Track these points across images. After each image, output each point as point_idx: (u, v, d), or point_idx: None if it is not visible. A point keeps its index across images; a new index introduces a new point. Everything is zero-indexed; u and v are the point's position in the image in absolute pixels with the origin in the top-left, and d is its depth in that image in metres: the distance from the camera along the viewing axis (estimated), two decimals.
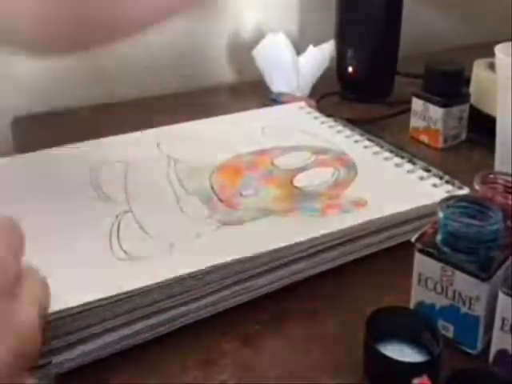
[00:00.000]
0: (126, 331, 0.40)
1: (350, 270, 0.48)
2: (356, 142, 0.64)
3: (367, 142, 0.63)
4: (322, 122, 0.69)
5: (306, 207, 0.51)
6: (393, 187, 0.54)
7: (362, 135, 0.65)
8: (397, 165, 0.58)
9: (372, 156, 0.61)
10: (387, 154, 0.61)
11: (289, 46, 0.83)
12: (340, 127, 0.67)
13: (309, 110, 0.73)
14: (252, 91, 0.86)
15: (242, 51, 0.89)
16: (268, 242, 0.45)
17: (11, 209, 0.51)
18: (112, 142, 0.64)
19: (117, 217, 0.50)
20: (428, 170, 0.57)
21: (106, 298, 0.38)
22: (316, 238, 0.46)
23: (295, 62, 0.83)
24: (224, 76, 0.92)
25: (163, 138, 0.64)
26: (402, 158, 0.60)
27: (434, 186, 0.54)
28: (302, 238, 0.45)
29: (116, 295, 0.39)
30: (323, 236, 0.46)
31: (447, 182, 0.55)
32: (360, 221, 0.48)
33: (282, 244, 0.44)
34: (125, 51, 0.81)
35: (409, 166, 0.58)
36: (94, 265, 0.43)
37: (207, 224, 0.49)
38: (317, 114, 0.71)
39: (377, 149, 0.62)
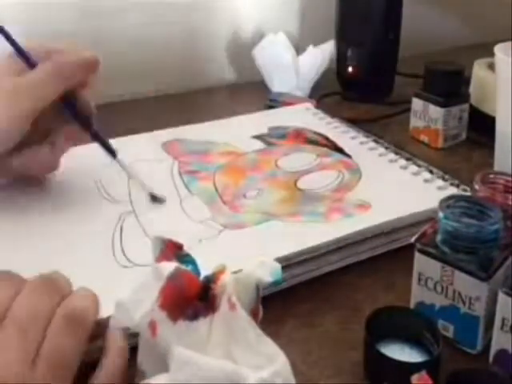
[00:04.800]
0: None
1: (350, 270, 0.48)
2: (361, 143, 0.64)
3: (372, 144, 0.63)
4: (328, 123, 0.69)
5: (310, 212, 0.51)
6: (397, 190, 0.54)
7: (367, 137, 0.65)
8: (402, 167, 0.58)
9: (377, 158, 0.60)
10: (392, 156, 0.60)
11: (289, 46, 0.83)
12: (345, 128, 0.67)
13: (315, 111, 0.73)
14: (252, 91, 0.86)
15: (241, 51, 0.89)
16: (270, 250, 0.44)
17: (11, 206, 0.51)
18: (116, 142, 0.64)
19: (120, 218, 0.50)
20: (432, 172, 0.57)
21: None
22: (318, 247, 0.46)
23: (295, 62, 0.83)
24: (224, 76, 0.92)
25: (167, 139, 0.64)
26: (407, 159, 0.59)
27: (439, 188, 0.54)
28: (303, 247, 0.45)
29: None
30: (325, 244, 0.46)
31: (452, 184, 0.55)
32: (363, 227, 0.48)
33: (284, 253, 0.44)
34: (124, 51, 0.81)
35: (414, 169, 0.58)
36: (96, 271, 0.43)
37: (210, 227, 0.49)
38: (322, 114, 0.71)
39: (382, 150, 0.62)
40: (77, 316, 0.33)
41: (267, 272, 0.33)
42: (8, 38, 0.49)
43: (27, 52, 0.50)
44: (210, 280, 0.33)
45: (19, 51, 0.50)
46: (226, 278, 0.32)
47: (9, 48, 0.50)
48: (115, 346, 0.34)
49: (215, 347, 0.31)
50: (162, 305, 0.31)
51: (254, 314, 0.32)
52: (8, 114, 0.48)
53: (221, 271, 0.33)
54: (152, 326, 0.31)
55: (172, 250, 0.34)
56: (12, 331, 0.31)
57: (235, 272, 0.33)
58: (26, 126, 0.49)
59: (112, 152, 0.54)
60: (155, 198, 0.53)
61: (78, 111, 0.52)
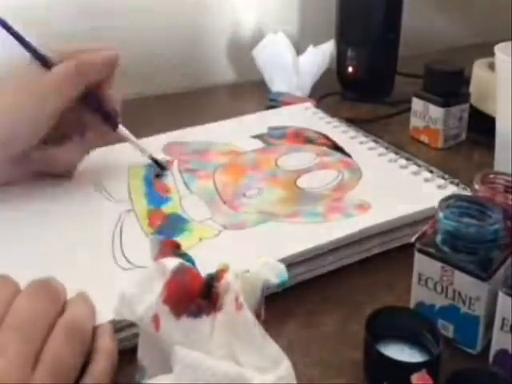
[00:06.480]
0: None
1: (350, 270, 0.48)
2: (361, 143, 0.64)
3: (372, 144, 0.63)
4: (328, 123, 0.69)
5: (309, 211, 0.51)
6: (397, 190, 0.54)
7: (366, 136, 0.65)
8: (402, 167, 0.58)
9: (377, 158, 0.60)
10: (392, 156, 0.60)
11: (289, 46, 0.83)
12: (345, 128, 0.67)
13: (315, 110, 0.73)
14: (252, 91, 0.86)
15: (242, 51, 0.89)
16: (270, 251, 0.44)
17: (11, 207, 0.51)
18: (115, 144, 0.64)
19: (120, 217, 0.50)
20: (432, 172, 0.57)
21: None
22: (318, 247, 0.46)
23: (295, 62, 0.83)
24: (224, 76, 0.92)
25: (168, 141, 0.64)
26: (407, 159, 0.59)
27: (439, 188, 0.54)
28: (303, 248, 0.45)
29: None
30: (325, 245, 0.46)
31: (452, 183, 0.55)
32: (363, 227, 0.48)
33: (284, 255, 0.43)
34: (124, 52, 0.81)
35: (414, 168, 0.58)
36: (97, 274, 0.43)
37: (210, 227, 0.49)
38: (322, 114, 0.71)
39: (382, 150, 0.62)
40: (77, 327, 0.34)
41: (273, 273, 0.33)
42: (21, 41, 0.50)
43: (43, 54, 0.51)
44: (213, 278, 0.33)
45: (35, 53, 0.51)
46: (230, 277, 0.32)
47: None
48: (104, 348, 0.34)
49: (218, 347, 0.31)
50: (165, 299, 0.31)
51: (256, 314, 0.32)
52: (34, 114, 0.50)
53: (224, 270, 0.33)
54: (156, 320, 0.31)
55: (170, 248, 0.34)
56: (11, 334, 0.31)
57: (243, 272, 0.33)
58: (50, 124, 0.51)
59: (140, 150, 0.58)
60: (157, 164, 0.56)
61: (101, 106, 0.54)
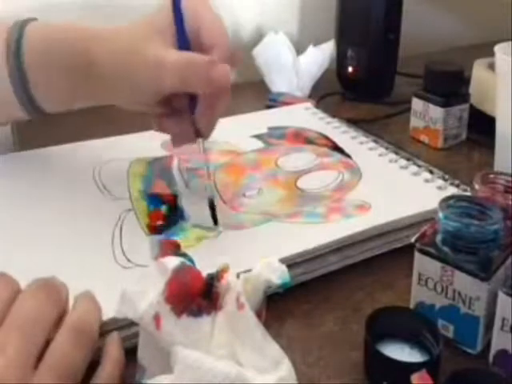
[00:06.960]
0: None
1: (350, 270, 0.48)
2: (361, 143, 0.64)
3: (372, 144, 0.63)
4: (328, 123, 0.69)
5: (309, 212, 0.51)
6: (398, 190, 0.54)
7: (366, 136, 0.65)
8: (402, 167, 0.58)
9: (377, 158, 0.60)
10: (392, 156, 0.60)
11: (289, 46, 0.83)
12: (345, 128, 0.67)
13: (314, 110, 0.73)
14: (252, 91, 0.86)
15: (241, 51, 0.89)
16: (270, 251, 0.43)
17: (12, 207, 0.51)
18: (115, 141, 0.64)
19: (120, 216, 0.50)
20: (432, 172, 0.57)
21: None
22: (318, 248, 0.46)
23: (295, 62, 0.83)
24: None
25: (167, 137, 0.64)
26: (407, 159, 0.59)
27: (439, 188, 0.54)
28: (303, 249, 0.45)
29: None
30: (325, 246, 0.46)
31: (452, 184, 0.55)
32: (363, 228, 0.48)
33: (284, 255, 0.43)
34: None
35: (414, 169, 0.58)
36: (97, 272, 0.43)
37: (210, 227, 0.49)
38: (322, 114, 0.71)
39: (382, 150, 0.62)
40: (84, 328, 0.34)
41: (275, 274, 0.33)
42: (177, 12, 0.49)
43: (188, 34, 0.50)
44: (214, 278, 0.33)
45: (181, 30, 0.49)
46: (230, 277, 0.32)
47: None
48: (112, 356, 0.34)
49: (219, 347, 0.31)
50: (167, 298, 0.31)
51: (258, 315, 0.32)
52: (146, 88, 0.48)
53: (224, 270, 0.33)
54: (157, 318, 0.31)
55: (170, 248, 0.34)
56: (11, 333, 0.31)
57: (244, 272, 0.33)
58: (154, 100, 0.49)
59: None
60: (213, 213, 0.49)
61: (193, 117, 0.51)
